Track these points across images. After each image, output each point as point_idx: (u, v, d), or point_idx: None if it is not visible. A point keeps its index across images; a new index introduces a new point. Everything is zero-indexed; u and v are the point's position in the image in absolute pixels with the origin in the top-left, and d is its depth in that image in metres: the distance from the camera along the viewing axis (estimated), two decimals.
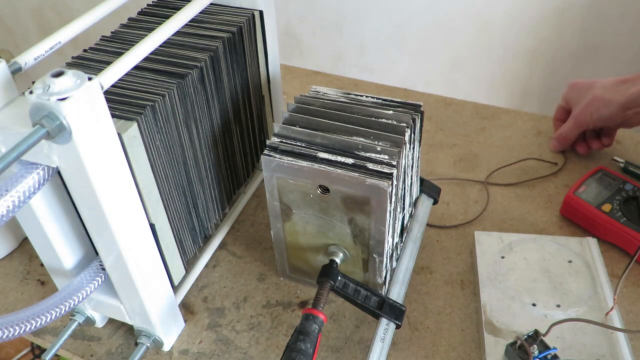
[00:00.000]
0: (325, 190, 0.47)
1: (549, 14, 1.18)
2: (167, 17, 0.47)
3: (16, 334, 0.40)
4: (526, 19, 1.19)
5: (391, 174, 0.44)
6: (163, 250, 0.50)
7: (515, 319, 0.51)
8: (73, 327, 0.52)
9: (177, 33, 0.54)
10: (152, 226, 0.48)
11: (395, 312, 0.50)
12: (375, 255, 0.50)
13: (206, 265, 0.61)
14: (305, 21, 1.41)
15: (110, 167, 0.39)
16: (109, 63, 0.40)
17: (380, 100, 0.52)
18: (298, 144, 0.47)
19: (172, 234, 0.52)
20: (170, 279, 0.53)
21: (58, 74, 0.35)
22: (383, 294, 0.53)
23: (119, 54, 0.42)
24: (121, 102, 0.45)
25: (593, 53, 1.22)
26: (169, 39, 0.50)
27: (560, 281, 0.54)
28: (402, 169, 0.49)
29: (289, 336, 0.51)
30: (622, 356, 0.48)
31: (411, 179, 0.55)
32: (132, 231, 0.43)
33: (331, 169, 0.45)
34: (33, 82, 0.35)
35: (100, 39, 0.54)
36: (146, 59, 0.51)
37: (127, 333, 0.55)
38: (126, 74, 0.45)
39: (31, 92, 0.34)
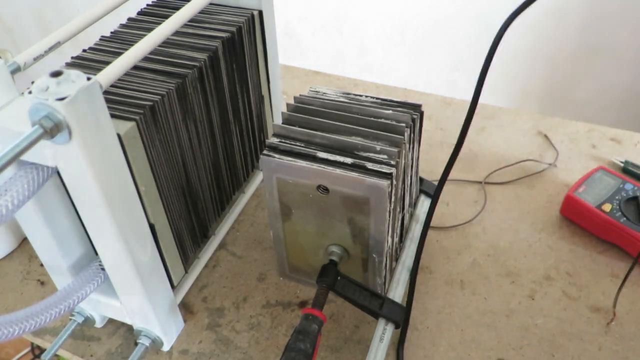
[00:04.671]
0: (324, 190, 0.47)
1: (549, 14, 1.18)
2: (167, 17, 0.48)
3: (16, 333, 0.40)
4: (526, 19, 1.19)
5: (390, 173, 0.44)
6: (163, 250, 0.50)
7: None
8: (73, 327, 0.52)
9: (177, 33, 0.54)
10: (152, 226, 0.48)
11: (395, 312, 0.50)
12: (374, 255, 0.50)
13: (206, 265, 0.61)
14: (305, 21, 1.41)
15: (110, 168, 0.39)
16: (108, 63, 0.40)
17: (379, 100, 0.52)
18: (297, 143, 0.47)
19: (172, 234, 0.52)
20: (170, 279, 0.53)
21: (57, 74, 0.35)
22: (383, 294, 0.53)
23: (119, 54, 0.42)
24: (120, 102, 0.45)
25: (593, 53, 1.22)
26: (168, 38, 0.50)
27: None
28: (402, 169, 0.49)
29: (289, 336, 0.51)
30: None
31: (411, 178, 0.55)
32: (132, 231, 0.43)
33: (330, 168, 0.45)
34: (32, 82, 0.35)
35: (100, 39, 0.54)
36: (145, 59, 0.51)
37: (127, 333, 0.55)
38: (125, 74, 0.45)
39: (30, 92, 0.34)
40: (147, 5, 0.60)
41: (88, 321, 0.54)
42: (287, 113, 0.50)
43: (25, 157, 0.35)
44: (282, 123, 0.49)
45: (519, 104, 1.35)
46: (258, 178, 0.70)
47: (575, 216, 0.64)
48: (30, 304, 0.43)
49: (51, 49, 0.43)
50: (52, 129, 0.34)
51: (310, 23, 1.41)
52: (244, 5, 0.59)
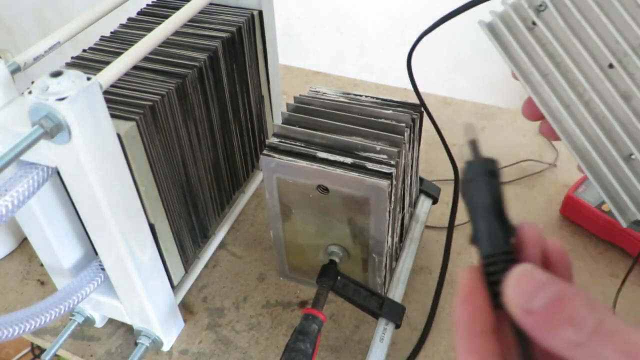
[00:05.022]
0: (324, 190, 0.47)
1: None
2: (167, 17, 0.47)
3: (16, 334, 0.40)
4: None
5: (390, 173, 0.44)
6: (163, 250, 0.50)
7: None
8: (73, 327, 0.52)
9: (176, 33, 0.54)
10: (151, 226, 0.48)
11: (395, 312, 0.50)
12: (374, 255, 0.50)
13: (206, 265, 0.61)
14: (305, 21, 1.41)
15: (110, 168, 0.39)
16: (108, 63, 0.40)
17: (379, 100, 0.52)
18: (297, 143, 0.47)
19: (172, 234, 0.52)
20: (170, 279, 0.53)
21: (57, 74, 0.35)
22: (383, 294, 0.53)
23: (118, 54, 0.42)
24: (120, 102, 0.45)
25: None
26: (168, 38, 0.50)
27: None
28: (402, 169, 0.49)
29: (289, 336, 0.51)
30: None
31: (410, 178, 0.55)
32: (132, 231, 0.43)
33: (330, 168, 0.45)
34: (32, 82, 0.35)
35: (100, 39, 0.54)
36: (145, 59, 0.51)
37: (127, 333, 0.55)
38: (125, 74, 0.45)
39: (30, 92, 0.34)
40: (147, 5, 0.60)
41: (88, 321, 0.54)
42: (287, 113, 0.50)
43: (25, 157, 0.35)
44: (282, 123, 0.49)
45: (519, 104, 1.35)
46: (258, 178, 0.70)
47: (575, 216, 0.64)
48: (30, 304, 0.43)
49: (51, 49, 0.43)
50: (52, 129, 0.34)
51: (310, 23, 1.41)
52: (244, 5, 0.59)
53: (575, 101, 0.34)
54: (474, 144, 0.26)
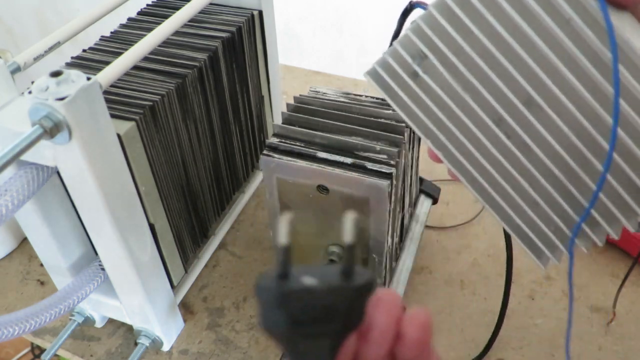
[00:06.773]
0: (324, 190, 0.47)
1: None
2: (167, 17, 0.47)
3: (16, 333, 0.40)
4: None
5: (390, 173, 0.44)
6: (163, 250, 0.50)
7: None
8: (72, 327, 0.52)
9: (177, 33, 0.54)
10: (152, 226, 0.48)
11: None
12: (374, 256, 0.50)
13: (206, 265, 0.61)
14: (305, 21, 1.41)
15: (110, 168, 0.39)
16: (108, 63, 0.40)
17: (379, 100, 0.52)
18: (297, 143, 0.47)
19: (172, 234, 0.52)
20: (170, 279, 0.53)
21: (57, 74, 0.35)
22: None
23: (118, 54, 0.42)
24: (120, 102, 0.45)
25: None
26: (168, 38, 0.50)
27: None
28: (402, 169, 0.49)
29: None
30: None
31: (410, 178, 0.55)
32: (132, 231, 0.43)
33: (330, 168, 0.45)
34: (33, 82, 0.35)
35: (100, 39, 0.54)
36: (145, 59, 0.51)
37: (127, 333, 0.55)
38: (125, 74, 0.45)
39: (30, 92, 0.34)
40: (147, 5, 0.60)
41: (88, 321, 0.54)
42: (287, 113, 0.50)
43: (25, 157, 0.35)
44: (282, 123, 0.49)
45: None
46: (258, 178, 0.70)
47: None
48: (30, 303, 0.43)
49: (51, 49, 0.43)
50: (52, 129, 0.34)
51: (310, 23, 1.41)
52: (244, 5, 0.59)
53: (475, 154, 0.32)
54: (350, 252, 0.18)
